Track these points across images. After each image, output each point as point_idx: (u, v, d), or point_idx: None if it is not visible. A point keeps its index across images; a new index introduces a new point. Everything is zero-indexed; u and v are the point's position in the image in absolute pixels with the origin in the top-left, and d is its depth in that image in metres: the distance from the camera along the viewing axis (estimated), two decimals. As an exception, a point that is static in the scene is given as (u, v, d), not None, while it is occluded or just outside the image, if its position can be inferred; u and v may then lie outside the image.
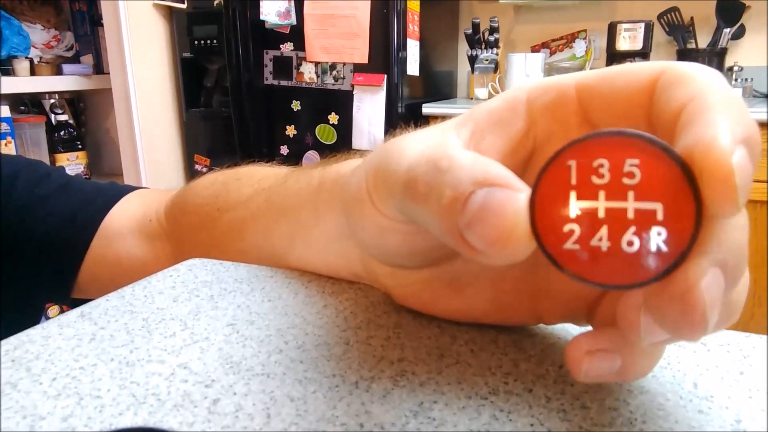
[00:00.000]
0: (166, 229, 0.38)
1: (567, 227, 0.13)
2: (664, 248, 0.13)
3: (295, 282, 0.28)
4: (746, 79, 1.83)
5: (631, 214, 0.13)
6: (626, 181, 0.13)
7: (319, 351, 0.21)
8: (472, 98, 2.01)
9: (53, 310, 1.51)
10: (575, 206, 0.13)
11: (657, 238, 0.13)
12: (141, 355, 0.21)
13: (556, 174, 0.13)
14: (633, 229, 0.13)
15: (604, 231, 0.13)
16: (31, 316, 0.41)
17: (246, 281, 0.28)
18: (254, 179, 0.32)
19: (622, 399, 0.18)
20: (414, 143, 0.16)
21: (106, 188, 0.42)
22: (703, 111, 0.13)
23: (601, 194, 0.13)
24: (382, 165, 0.17)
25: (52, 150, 1.97)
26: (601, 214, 0.13)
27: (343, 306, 0.25)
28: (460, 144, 0.16)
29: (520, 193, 0.14)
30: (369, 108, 1.70)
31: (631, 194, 0.13)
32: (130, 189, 0.42)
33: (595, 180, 0.13)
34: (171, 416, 0.17)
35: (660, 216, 0.13)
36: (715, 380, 0.19)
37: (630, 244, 0.13)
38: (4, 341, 0.22)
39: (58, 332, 0.23)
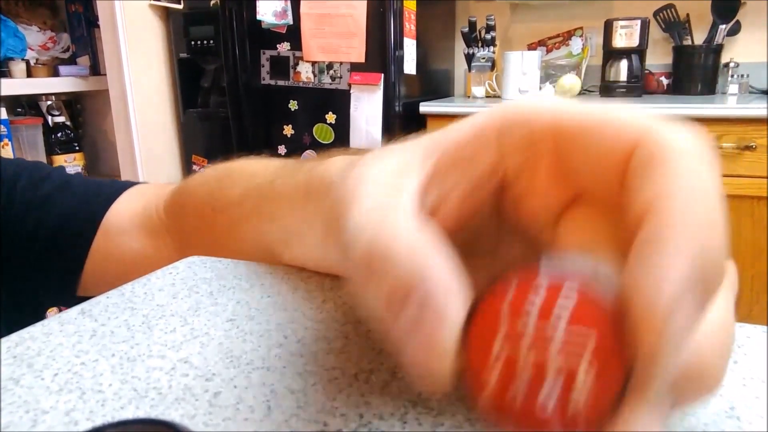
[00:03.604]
0: (167, 225, 0.38)
1: (487, 373, 0.12)
2: (580, 408, 0.12)
3: (294, 278, 0.28)
4: (742, 75, 1.83)
5: (551, 370, 0.12)
6: (551, 332, 0.12)
7: (319, 345, 0.21)
8: (469, 96, 2.01)
9: (52, 311, 1.51)
10: (497, 354, 0.12)
11: (576, 397, 0.12)
12: (142, 351, 0.21)
13: (487, 314, 0.13)
14: (550, 384, 0.12)
15: (521, 382, 0.12)
16: (34, 318, 0.41)
17: (245, 278, 0.28)
18: (244, 176, 0.32)
19: (619, 388, 0.18)
20: (367, 193, 0.14)
21: (106, 185, 0.42)
22: (657, 240, 0.12)
23: (525, 344, 0.12)
24: (335, 212, 0.15)
25: (50, 152, 1.97)
26: (521, 364, 0.12)
27: (342, 301, 0.25)
28: (412, 200, 0.14)
29: (452, 326, 0.12)
30: (366, 107, 1.70)
31: (554, 347, 0.12)
32: (130, 184, 0.42)
33: (522, 327, 0.12)
34: (172, 409, 0.17)
35: (582, 375, 0.12)
36: (710, 369, 0.19)
37: (544, 401, 0.12)
38: (5, 338, 0.22)
39: (59, 329, 0.23)
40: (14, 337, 0.22)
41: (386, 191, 0.14)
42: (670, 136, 0.13)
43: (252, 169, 0.33)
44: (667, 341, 0.11)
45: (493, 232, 0.17)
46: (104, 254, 0.39)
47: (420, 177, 0.15)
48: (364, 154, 0.16)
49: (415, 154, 0.15)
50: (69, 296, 0.40)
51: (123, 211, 0.40)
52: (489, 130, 0.15)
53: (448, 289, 0.12)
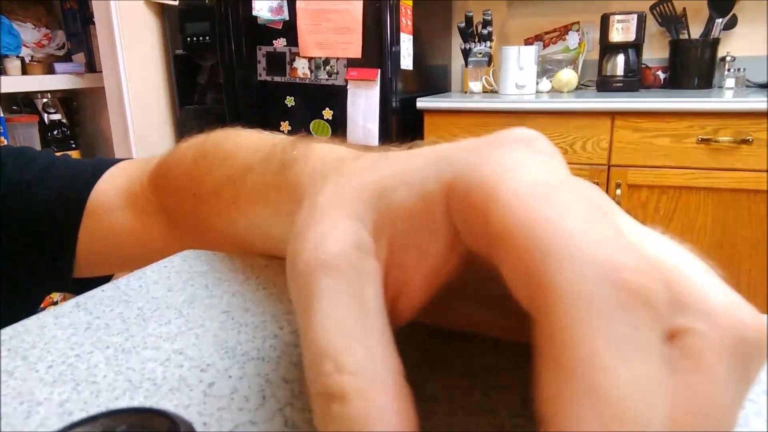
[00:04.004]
0: (153, 203, 0.38)
1: None
2: None
3: (290, 270, 0.28)
4: (739, 69, 1.83)
5: None
6: None
7: (314, 335, 0.21)
8: (466, 92, 2.01)
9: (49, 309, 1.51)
10: None
11: None
12: (136, 343, 0.21)
13: None
14: None
15: None
16: (29, 307, 0.41)
17: (241, 270, 0.28)
18: (219, 159, 0.31)
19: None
20: (325, 304, 0.12)
21: (89, 164, 0.41)
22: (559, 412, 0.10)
23: None
24: (293, 297, 0.14)
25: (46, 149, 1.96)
26: None
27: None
28: (377, 296, 0.13)
29: None
30: (363, 103, 1.70)
31: None
32: (113, 162, 0.42)
33: None
34: (167, 399, 0.17)
35: None
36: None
37: None
38: (0, 331, 0.22)
39: (53, 322, 0.23)
40: (8, 330, 0.22)
41: (349, 289, 0.12)
42: (575, 280, 0.10)
43: (226, 151, 0.31)
44: None
45: (484, 266, 0.15)
46: (94, 234, 0.38)
47: (378, 264, 0.13)
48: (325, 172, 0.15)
49: (365, 226, 0.14)
50: (64, 280, 0.40)
51: (108, 190, 0.39)
52: (437, 205, 0.13)
53: None
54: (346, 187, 0.15)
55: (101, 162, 0.42)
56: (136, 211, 0.38)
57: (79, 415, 0.17)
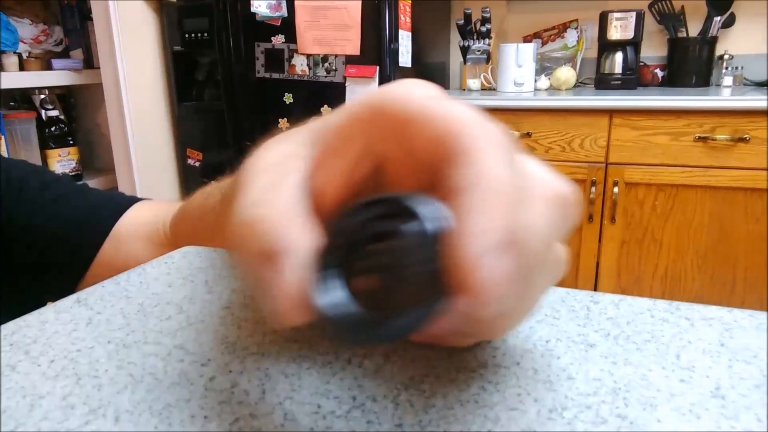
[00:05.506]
0: (170, 239, 0.40)
1: None
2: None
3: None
4: (737, 68, 1.84)
5: None
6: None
7: (313, 331, 0.21)
8: (464, 89, 2.01)
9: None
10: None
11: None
12: (137, 338, 0.21)
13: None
14: None
15: None
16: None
17: (240, 267, 0.28)
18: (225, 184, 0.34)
19: (607, 370, 0.18)
20: (256, 178, 0.16)
21: (116, 195, 0.44)
22: (471, 207, 0.14)
23: None
24: (230, 194, 0.17)
25: (43, 146, 1.96)
26: None
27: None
28: (294, 182, 0.16)
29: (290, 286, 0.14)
30: (362, 100, 1.70)
31: None
32: (138, 199, 0.45)
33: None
34: (168, 393, 0.18)
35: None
36: (697, 352, 0.19)
37: None
38: (2, 326, 0.22)
39: (54, 317, 0.23)
40: (11, 325, 0.23)
41: (273, 175, 0.16)
42: (478, 132, 0.15)
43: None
44: (475, 284, 0.13)
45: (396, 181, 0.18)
46: (111, 261, 0.41)
47: (306, 163, 0.17)
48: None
49: (299, 143, 0.18)
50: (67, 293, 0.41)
51: (134, 222, 0.42)
52: (357, 121, 0.17)
53: (296, 260, 0.14)
54: (286, 133, 0.19)
55: (128, 196, 0.44)
56: (154, 245, 0.40)
57: (81, 409, 0.17)
